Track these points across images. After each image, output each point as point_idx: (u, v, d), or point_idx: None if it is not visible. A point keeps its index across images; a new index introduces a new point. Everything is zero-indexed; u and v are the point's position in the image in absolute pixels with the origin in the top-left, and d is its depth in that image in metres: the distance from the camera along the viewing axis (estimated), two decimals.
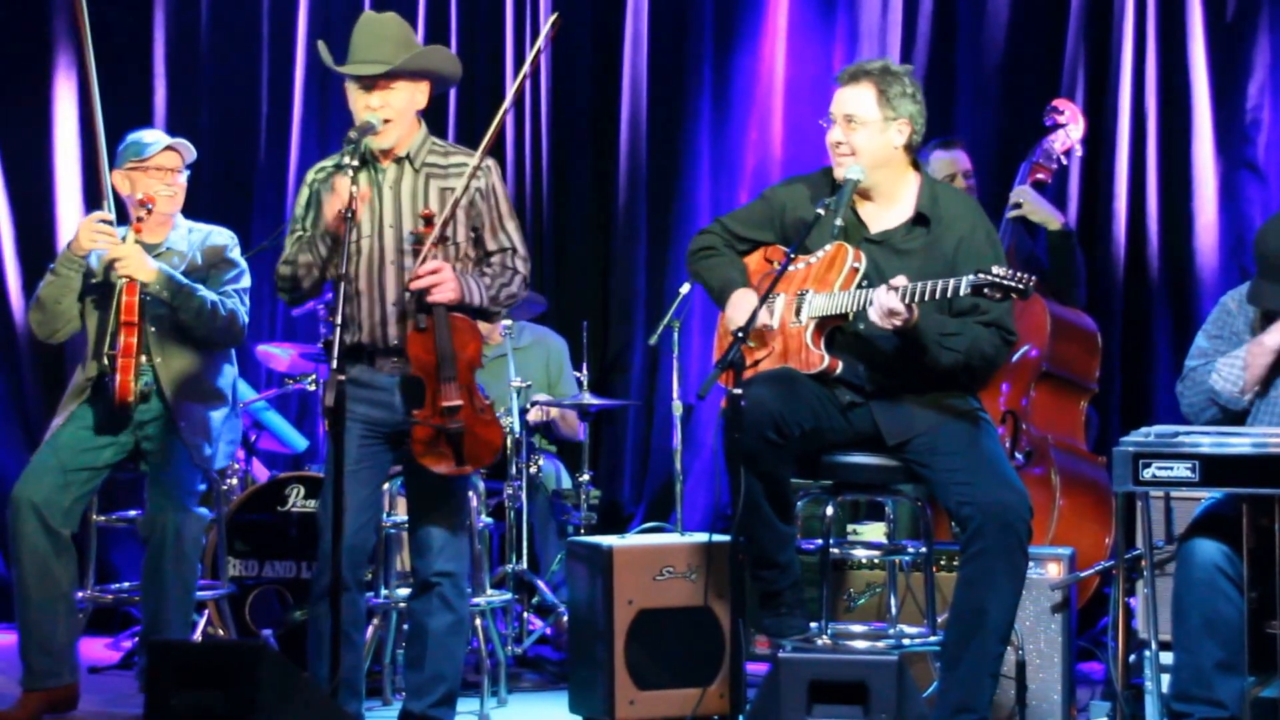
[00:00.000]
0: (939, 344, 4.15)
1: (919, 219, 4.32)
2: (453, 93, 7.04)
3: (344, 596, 4.13)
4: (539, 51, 4.30)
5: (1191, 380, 4.29)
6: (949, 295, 4.03)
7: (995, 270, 3.95)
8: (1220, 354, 4.28)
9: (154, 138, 5.17)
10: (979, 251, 4.24)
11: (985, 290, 3.96)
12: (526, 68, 4.41)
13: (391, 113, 4.26)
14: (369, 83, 4.25)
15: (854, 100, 4.29)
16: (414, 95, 4.31)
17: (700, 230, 4.65)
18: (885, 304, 4.04)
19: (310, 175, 4.43)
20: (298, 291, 4.41)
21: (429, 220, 4.20)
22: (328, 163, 4.42)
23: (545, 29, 4.27)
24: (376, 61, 4.24)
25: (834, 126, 4.32)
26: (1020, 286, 3.93)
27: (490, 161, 4.38)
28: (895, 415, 4.26)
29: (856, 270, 4.24)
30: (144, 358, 4.97)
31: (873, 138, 4.28)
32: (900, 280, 4.06)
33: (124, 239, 5.05)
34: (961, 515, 4.11)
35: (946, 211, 4.32)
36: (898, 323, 4.06)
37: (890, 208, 4.35)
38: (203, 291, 4.97)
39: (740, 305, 4.34)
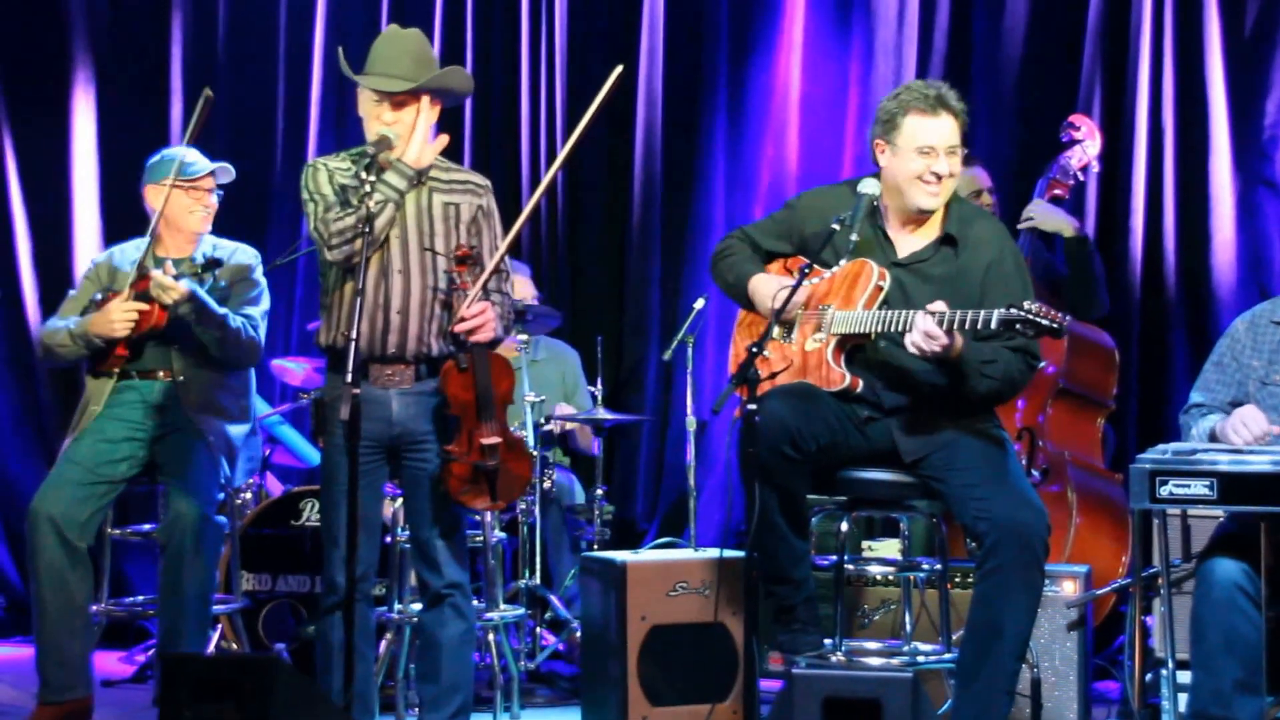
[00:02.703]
0: (980, 372, 4.12)
1: (946, 239, 4.30)
2: (468, 114, 7.06)
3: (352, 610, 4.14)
4: (600, 105, 4.27)
5: (1185, 425, 4.31)
6: (978, 328, 4.00)
7: (1028, 306, 3.91)
8: (1222, 385, 4.29)
9: (195, 157, 5.19)
10: (1007, 278, 4.22)
11: (1017, 326, 3.93)
12: (586, 121, 4.31)
13: (404, 129, 4.28)
14: (389, 97, 4.26)
15: (954, 131, 4.23)
16: (427, 114, 4.33)
17: (725, 236, 4.64)
18: (923, 327, 4.01)
19: (330, 163, 4.34)
20: (356, 244, 4.17)
21: (463, 260, 4.21)
22: (335, 162, 4.38)
23: (610, 82, 4.24)
24: (399, 77, 4.25)
25: (939, 158, 4.22)
26: (1055, 326, 3.89)
27: (489, 183, 4.43)
28: (912, 431, 4.25)
29: (881, 289, 4.22)
30: (162, 373, 5.04)
31: (959, 162, 4.29)
32: (939, 305, 4.04)
33: (146, 251, 5.07)
34: (978, 531, 4.09)
35: (975, 235, 4.30)
36: (937, 348, 4.02)
37: (919, 228, 4.33)
38: (230, 319, 4.99)
39: (765, 290, 4.34)
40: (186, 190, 5.13)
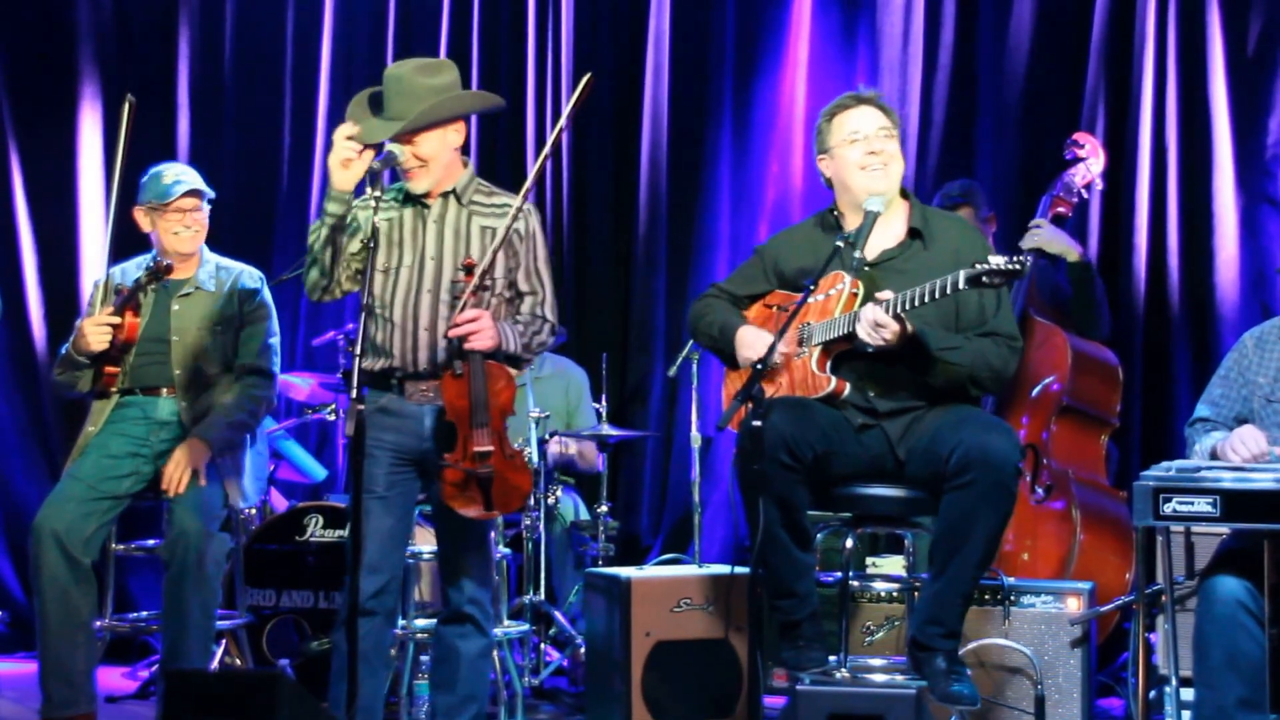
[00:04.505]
0: (943, 359, 4.17)
1: (913, 234, 4.39)
2: (474, 132, 7.07)
3: (369, 623, 4.19)
4: (573, 108, 4.30)
5: (1189, 438, 4.32)
6: (946, 293, 4.04)
7: (990, 259, 3.96)
8: (1228, 400, 4.30)
9: (174, 176, 5.19)
10: (977, 257, 4.26)
11: (984, 279, 3.96)
12: (562, 122, 4.41)
13: (417, 162, 4.32)
14: (397, 138, 4.30)
15: (880, 115, 4.39)
16: (444, 138, 4.35)
17: (699, 296, 4.70)
18: (870, 317, 4.08)
19: (355, 205, 4.40)
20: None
21: (469, 269, 4.25)
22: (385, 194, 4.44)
23: (580, 87, 4.29)
24: (394, 119, 4.29)
25: (868, 139, 4.35)
26: (1016, 267, 3.94)
27: (530, 206, 4.43)
28: (908, 431, 4.28)
29: (856, 296, 4.27)
30: (165, 390, 5.07)
31: (898, 150, 4.40)
32: (886, 294, 4.10)
33: (146, 269, 5.09)
34: (952, 461, 4.08)
35: (938, 228, 4.41)
36: (887, 336, 4.10)
37: (885, 230, 4.39)
38: (235, 422, 5.04)
39: (749, 341, 4.38)
40: (164, 213, 5.15)
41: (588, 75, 4.32)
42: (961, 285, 4.00)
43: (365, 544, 4.20)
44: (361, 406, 3.98)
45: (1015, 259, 3.94)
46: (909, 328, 4.12)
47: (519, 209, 4.34)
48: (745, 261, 4.71)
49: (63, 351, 5.07)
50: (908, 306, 4.07)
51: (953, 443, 4.09)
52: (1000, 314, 4.29)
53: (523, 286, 4.39)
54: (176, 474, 4.89)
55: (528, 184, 4.38)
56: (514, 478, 4.27)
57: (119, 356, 5.01)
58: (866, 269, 4.32)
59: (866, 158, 4.36)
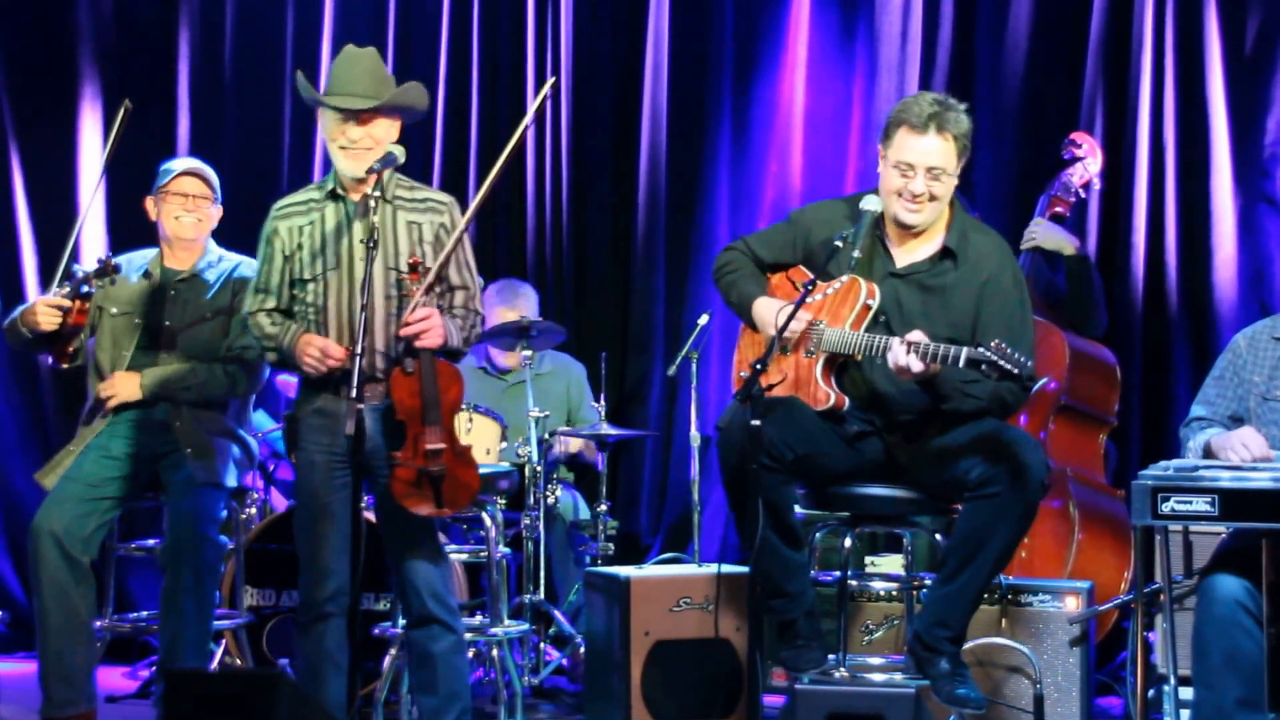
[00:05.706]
0: (961, 391, 4.16)
1: (946, 253, 4.33)
2: (474, 135, 7.06)
3: (329, 625, 4.22)
4: (535, 111, 4.34)
5: (1184, 437, 4.33)
6: (948, 363, 4.01)
7: (995, 346, 3.91)
8: (1223, 400, 4.31)
9: (177, 164, 5.24)
10: (1004, 294, 4.24)
11: (982, 366, 3.94)
12: (524, 124, 4.44)
13: (371, 143, 4.32)
14: (353, 115, 4.30)
15: (940, 153, 4.22)
16: (390, 130, 4.37)
17: (725, 247, 4.66)
18: (902, 363, 4.04)
19: (292, 202, 4.43)
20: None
21: (415, 268, 4.25)
22: (293, 199, 4.45)
23: (544, 90, 4.34)
24: (361, 95, 4.30)
25: (916, 178, 4.23)
26: (1015, 372, 3.90)
27: (451, 200, 4.45)
28: (911, 437, 4.29)
29: (870, 308, 4.25)
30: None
31: (950, 187, 4.29)
32: (916, 335, 4.07)
33: (146, 265, 5.10)
34: (976, 472, 4.09)
35: (975, 249, 4.32)
36: (912, 376, 4.08)
37: (920, 242, 4.36)
38: (197, 376, 5.05)
39: (766, 315, 4.36)
40: (164, 198, 5.17)
41: (550, 80, 4.35)
42: (962, 363, 3.98)
43: (317, 553, 4.22)
44: (361, 406, 3.99)
45: (1018, 362, 3.89)
46: (936, 366, 4.08)
47: (444, 203, 4.38)
48: (777, 225, 4.64)
49: (13, 315, 5.06)
50: (929, 357, 4.02)
51: (978, 454, 4.09)
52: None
53: (454, 280, 4.38)
54: (106, 391, 5.00)
55: (484, 189, 4.38)
56: (463, 475, 4.27)
57: (69, 337, 5.03)
58: (890, 277, 4.31)
59: (906, 193, 4.26)
